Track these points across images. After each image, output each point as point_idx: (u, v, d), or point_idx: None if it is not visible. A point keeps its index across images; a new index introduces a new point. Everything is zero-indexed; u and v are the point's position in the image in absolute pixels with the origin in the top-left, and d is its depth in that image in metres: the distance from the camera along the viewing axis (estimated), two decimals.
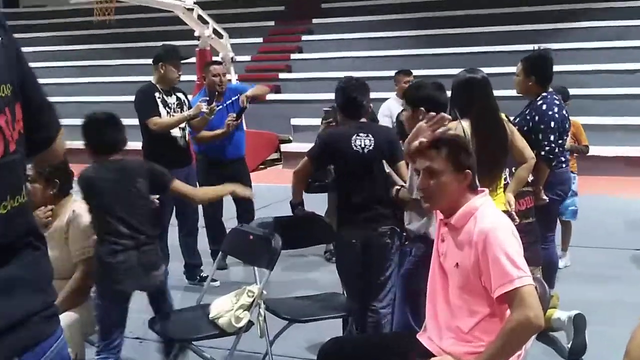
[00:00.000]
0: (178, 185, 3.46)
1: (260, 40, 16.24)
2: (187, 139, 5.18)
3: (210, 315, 3.15)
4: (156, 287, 3.32)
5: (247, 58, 15.15)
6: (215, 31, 11.36)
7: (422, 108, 3.18)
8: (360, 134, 3.64)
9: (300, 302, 3.72)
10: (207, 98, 5.31)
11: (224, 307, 3.14)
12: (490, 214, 2.43)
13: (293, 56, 15.65)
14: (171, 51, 5.16)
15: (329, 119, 5.51)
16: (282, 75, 14.96)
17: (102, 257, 3.08)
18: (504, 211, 3.49)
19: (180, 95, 5.21)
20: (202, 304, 3.47)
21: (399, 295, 3.40)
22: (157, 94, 5.00)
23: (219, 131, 5.28)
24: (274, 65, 15.41)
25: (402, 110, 4.05)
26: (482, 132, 3.41)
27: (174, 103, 5.09)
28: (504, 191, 3.71)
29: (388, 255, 3.55)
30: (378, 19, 15.49)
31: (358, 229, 3.57)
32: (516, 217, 3.61)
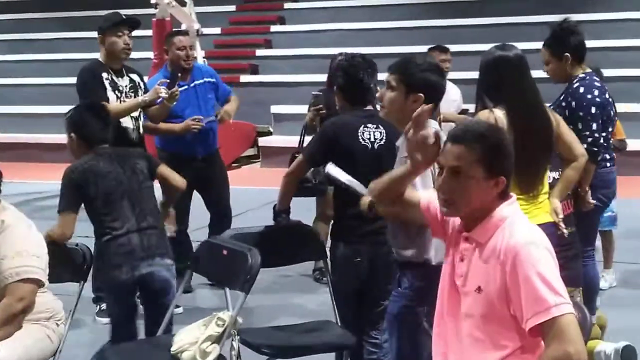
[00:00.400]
0: (163, 169, 4.02)
1: (232, 8, 16.23)
2: (140, 131, 5.09)
3: (172, 349, 3.14)
4: (159, 282, 3.61)
5: (217, 31, 15.13)
6: None
7: (421, 94, 3.13)
8: (369, 125, 3.65)
9: (283, 333, 3.71)
10: (168, 80, 5.22)
11: (188, 339, 3.13)
12: (522, 226, 2.42)
13: (273, 28, 15.63)
14: (112, 16, 5.04)
15: (317, 106, 5.40)
16: (259, 52, 14.94)
17: (102, 244, 3.54)
18: (550, 222, 3.51)
19: (134, 76, 5.12)
20: (164, 335, 3.46)
21: (393, 341, 3.32)
22: (104, 74, 4.88)
23: (177, 126, 5.24)
24: (250, 40, 15.39)
25: None
26: (518, 123, 3.40)
27: (126, 86, 4.98)
28: (549, 197, 3.67)
29: (395, 275, 3.51)
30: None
31: (363, 244, 3.57)
32: (565, 229, 3.61)
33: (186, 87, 5.36)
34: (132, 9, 13.75)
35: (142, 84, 5.16)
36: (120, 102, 4.91)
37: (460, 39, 11.93)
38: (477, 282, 2.41)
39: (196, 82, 5.53)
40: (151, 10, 11.40)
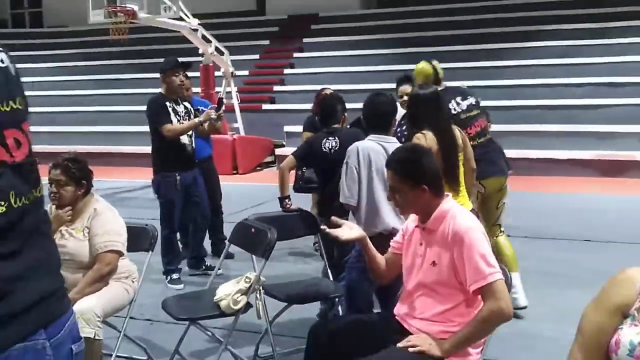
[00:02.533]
0: None
1: (257, 57, 16.21)
2: (193, 145, 4.94)
3: (214, 298, 3.13)
4: None
5: (245, 73, 15.12)
6: (217, 49, 11.35)
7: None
8: (329, 138, 3.78)
9: (294, 286, 3.70)
10: (215, 105, 5.09)
11: (225, 292, 3.12)
12: (463, 216, 2.41)
13: (286, 71, 15.63)
14: (169, 61, 4.92)
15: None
16: (276, 88, 14.95)
17: None
18: (471, 209, 3.51)
19: (186, 104, 5.01)
20: (209, 288, 3.45)
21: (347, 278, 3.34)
22: (167, 103, 4.79)
23: (198, 118, 4.89)
24: (269, 79, 15.40)
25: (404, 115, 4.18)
26: (440, 141, 3.43)
27: (182, 111, 4.89)
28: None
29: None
30: (362, 38, 15.50)
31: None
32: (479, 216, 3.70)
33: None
34: (186, 57, 13.80)
35: (192, 110, 5.04)
36: (180, 123, 4.80)
37: None
38: (432, 258, 2.41)
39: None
40: (199, 58, 11.43)
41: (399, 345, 2.33)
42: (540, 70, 12.40)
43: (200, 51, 11.19)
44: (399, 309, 2.55)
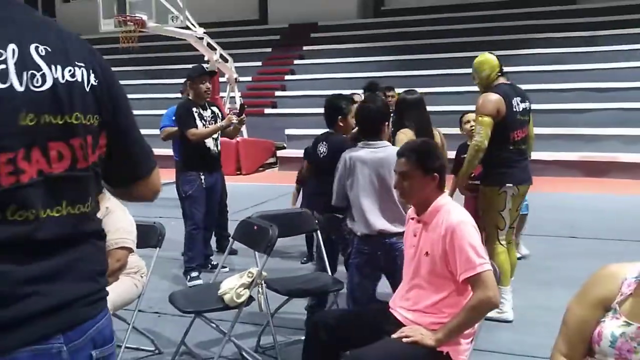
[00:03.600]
0: None
1: (259, 64, 16.24)
2: (218, 148, 4.95)
3: (218, 292, 3.14)
4: None
5: (249, 79, 15.15)
6: (221, 56, 11.38)
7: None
8: (323, 142, 3.81)
9: (295, 280, 3.71)
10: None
11: (229, 285, 3.13)
12: (456, 210, 2.44)
13: (287, 77, 15.65)
14: (196, 69, 4.97)
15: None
16: (277, 93, 14.97)
17: None
18: None
19: (214, 109, 4.99)
20: (215, 282, 3.46)
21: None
22: (194, 109, 4.79)
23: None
24: (271, 85, 15.41)
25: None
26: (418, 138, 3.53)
27: (209, 116, 4.87)
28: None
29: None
30: (359, 46, 15.54)
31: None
32: None
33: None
34: (192, 64, 13.81)
35: (220, 114, 5.00)
36: (205, 127, 4.80)
37: (416, 85, 11.95)
38: (426, 249, 2.43)
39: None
40: (205, 65, 11.43)
41: (393, 336, 2.34)
42: (532, 76, 12.42)
43: (205, 58, 11.21)
44: (394, 302, 2.57)
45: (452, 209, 2.44)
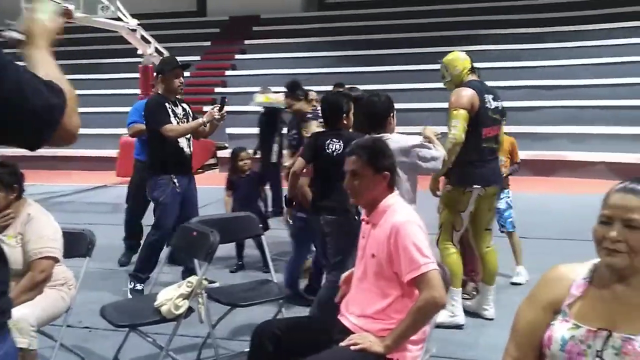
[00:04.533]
0: None
1: (198, 58, 16.00)
2: (191, 148, 4.70)
3: (155, 304, 3.07)
4: None
5: (187, 74, 14.84)
6: (157, 50, 11.16)
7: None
8: (334, 140, 3.75)
9: (237, 289, 3.67)
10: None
11: (166, 296, 3.07)
12: (402, 210, 2.47)
13: (227, 73, 15.50)
14: (169, 62, 4.70)
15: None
16: (217, 90, 14.77)
17: None
18: None
19: (185, 106, 4.72)
20: (150, 293, 3.38)
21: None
22: (167, 104, 4.53)
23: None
24: (211, 81, 15.22)
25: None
26: None
27: (181, 113, 4.61)
28: None
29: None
30: (302, 41, 15.55)
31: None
32: None
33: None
34: (125, 58, 13.49)
35: (190, 112, 4.76)
36: (179, 124, 4.54)
37: (362, 81, 12.09)
38: (372, 251, 2.45)
39: None
40: (139, 59, 11.20)
41: (342, 344, 2.34)
42: (481, 73, 12.73)
43: (139, 52, 10.97)
44: (345, 306, 2.58)
45: (398, 209, 2.47)
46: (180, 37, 16.03)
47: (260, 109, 7.87)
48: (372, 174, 2.49)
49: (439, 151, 3.64)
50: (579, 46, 13.01)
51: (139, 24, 10.66)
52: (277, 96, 7.45)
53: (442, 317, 3.66)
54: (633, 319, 1.61)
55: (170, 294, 3.05)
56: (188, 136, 4.64)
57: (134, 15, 10.75)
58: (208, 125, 4.63)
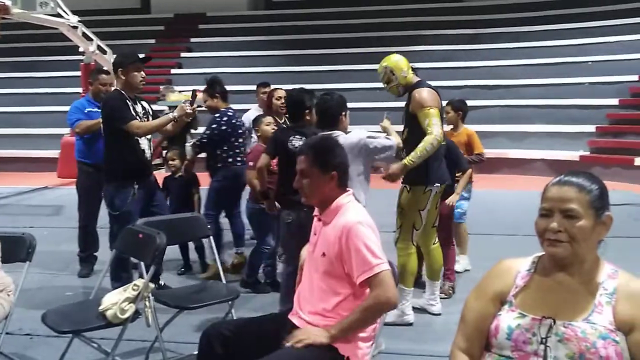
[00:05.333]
0: None
1: (142, 56, 15.65)
2: (151, 150, 4.40)
3: (100, 308, 2.98)
4: None
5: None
6: (99, 47, 10.87)
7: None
8: (296, 136, 3.86)
9: (186, 291, 3.61)
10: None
11: (112, 300, 2.98)
12: (354, 210, 2.46)
13: (173, 71, 15.23)
14: (130, 56, 4.37)
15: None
16: (163, 88, 14.50)
17: None
18: None
19: (144, 103, 4.40)
20: (95, 297, 3.28)
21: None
22: (128, 101, 4.19)
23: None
24: (156, 79, 14.89)
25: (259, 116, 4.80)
26: None
27: (140, 111, 4.28)
28: None
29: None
30: (250, 39, 15.45)
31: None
32: None
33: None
34: (66, 55, 13.07)
35: (150, 110, 4.44)
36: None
37: (308, 81, 12.13)
38: (323, 249, 2.45)
39: None
40: (80, 57, 10.90)
41: (287, 343, 2.33)
42: (421, 73, 12.92)
43: (80, 49, 10.65)
44: (297, 303, 2.57)
45: (350, 209, 2.46)
46: (124, 34, 15.65)
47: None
48: (319, 173, 2.48)
49: (391, 140, 3.70)
50: (514, 47, 13.39)
51: (80, 21, 10.35)
52: (180, 95, 7.34)
53: (391, 316, 3.72)
54: (574, 305, 1.68)
55: (116, 298, 2.97)
56: (149, 136, 4.33)
57: (75, 12, 10.43)
58: (175, 123, 4.27)
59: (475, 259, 5.11)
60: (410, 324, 3.96)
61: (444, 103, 4.22)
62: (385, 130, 3.85)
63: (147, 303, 3.05)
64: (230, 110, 5.03)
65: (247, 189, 4.75)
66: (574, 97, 11.62)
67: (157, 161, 12.07)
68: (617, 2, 12.93)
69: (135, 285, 3.02)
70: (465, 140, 5.10)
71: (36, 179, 10.49)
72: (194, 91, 4.39)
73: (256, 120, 4.89)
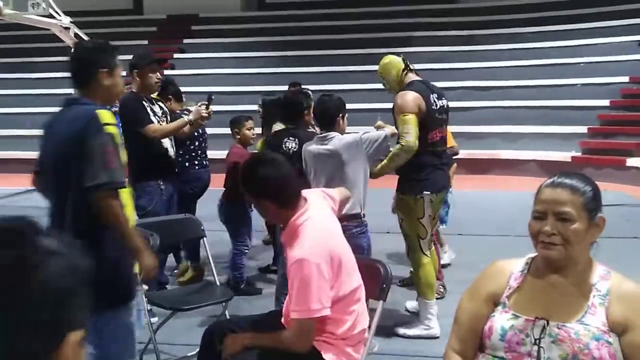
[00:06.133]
0: None
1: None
2: (174, 148, 4.36)
3: None
4: None
5: (123, 74, 14.44)
6: None
7: None
8: (290, 138, 3.91)
9: (180, 293, 3.61)
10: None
11: None
12: (307, 239, 2.29)
13: (166, 72, 15.15)
14: (145, 57, 4.33)
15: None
16: None
17: None
18: None
19: (161, 104, 4.39)
20: None
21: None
22: (145, 103, 4.17)
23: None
24: None
25: None
26: None
27: (159, 112, 4.25)
28: None
29: None
30: (243, 40, 15.43)
31: None
32: None
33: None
34: (59, 57, 13.00)
35: (167, 111, 4.40)
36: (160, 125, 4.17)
37: (305, 81, 12.13)
38: (284, 270, 2.44)
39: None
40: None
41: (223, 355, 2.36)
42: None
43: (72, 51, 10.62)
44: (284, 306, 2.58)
45: (304, 234, 2.30)
46: (116, 35, 15.55)
47: None
48: (256, 201, 2.39)
49: (384, 131, 3.66)
50: (508, 49, 13.44)
51: (72, 22, 10.31)
52: None
53: (417, 330, 3.73)
54: (567, 307, 1.68)
55: None
56: (171, 137, 4.30)
57: (67, 13, 10.39)
58: (190, 125, 4.30)
59: (468, 260, 5.11)
60: (437, 337, 3.75)
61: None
62: (380, 127, 3.83)
63: (143, 305, 3.04)
64: (184, 112, 4.71)
65: (221, 189, 4.72)
66: (566, 99, 11.68)
67: None
68: (609, 4, 12.99)
69: None
70: None
71: (29, 181, 10.40)
72: (210, 95, 4.36)
73: (236, 122, 4.83)
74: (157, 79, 4.23)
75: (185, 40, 16.05)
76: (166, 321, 3.38)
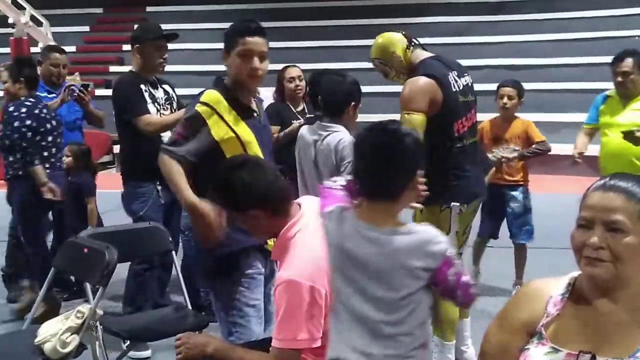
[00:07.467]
0: None
1: (86, 28, 15.66)
2: None
3: (35, 341, 2.99)
4: None
5: (72, 49, 14.52)
6: (33, 18, 10.86)
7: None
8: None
9: (143, 319, 3.61)
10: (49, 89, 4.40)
11: (50, 331, 2.99)
12: (295, 259, 2.32)
13: (125, 47, 15.18)
14: (150, 29, 4.28)
15: None
16: (112, 68, 14.51)
17: None
18: None
19: (167, 87, 4.35)
20: (29, 327, 3.30)
21: None
22: (142, 86, 4.11)
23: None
24: (104, 57, 14.92)
25: None
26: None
27: (161, 97, 4.21)
28: None
29: None
30: (217, 8, 15.44)
31: None
32: None
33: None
34: None
35: (174, 95, 4.40)
36: (159, 115, 4.13)
37: (291, 59, 12.13)
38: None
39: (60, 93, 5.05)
40: (10, 30, 10.87)
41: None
42: (432, 50, 12.99)
43: (10, 20, 10.64)
44: None
45: (296, 249, 2.33)
46: (64, 2, 15.63)
47: None
48: (240, 216, 2.40)
49: None
50: (545, 19, 13.45)
51: None
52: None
53: None
54: (618, 339, 1.67)
55: (56, 328, 2.97)
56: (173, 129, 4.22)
57: None
58: None
59: (496, 277, 5.13)
60: None
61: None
62: None
63: (94, 334, 3.06)
64: (30, 100, 4.62)
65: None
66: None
67: (106, 158, 12.11)
68: None
69: (79, 312, 3.02)
70: (523, 135, 5.26)
71: None
72: (85, 85, 4.41)
73: None
74: (162, 58, 4.19)
75: (148, 8, 16.09)
76: (126, 354, 3.42)
